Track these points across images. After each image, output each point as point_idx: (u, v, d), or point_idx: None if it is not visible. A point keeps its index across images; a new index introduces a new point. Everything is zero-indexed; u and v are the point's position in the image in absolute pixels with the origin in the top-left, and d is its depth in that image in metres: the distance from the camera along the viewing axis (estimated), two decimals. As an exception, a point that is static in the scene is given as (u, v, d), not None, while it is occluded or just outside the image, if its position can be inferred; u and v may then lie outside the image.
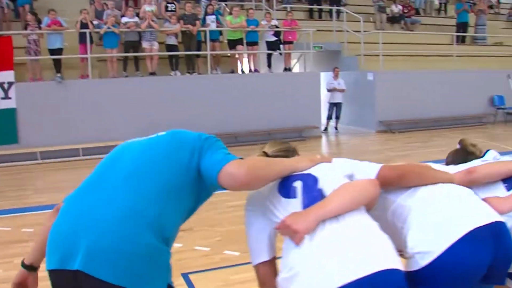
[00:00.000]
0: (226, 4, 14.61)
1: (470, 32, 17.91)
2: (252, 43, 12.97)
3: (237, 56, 13.28)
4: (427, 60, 15.64)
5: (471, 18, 17.92)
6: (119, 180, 1.89)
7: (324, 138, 13.44)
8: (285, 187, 2.01)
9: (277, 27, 13.23)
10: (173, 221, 1.93)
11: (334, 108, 14.20)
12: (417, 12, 18.79)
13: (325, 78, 14.57)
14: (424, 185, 2.16)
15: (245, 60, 13.48)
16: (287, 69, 13.78)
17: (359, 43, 14.57)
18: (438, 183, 2.18)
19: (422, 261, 1.92)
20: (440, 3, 20.06)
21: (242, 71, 13.28)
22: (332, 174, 2.03)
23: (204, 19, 12.66)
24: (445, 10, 20.10)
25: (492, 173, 2.32)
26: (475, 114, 15.48)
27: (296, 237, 1.80)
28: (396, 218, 2.12)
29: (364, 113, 14.55)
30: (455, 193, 2.14)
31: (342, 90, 14.01)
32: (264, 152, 2.25)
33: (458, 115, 15.02)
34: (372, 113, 14.22)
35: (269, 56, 13.45)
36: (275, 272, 2.01)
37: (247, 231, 2.10)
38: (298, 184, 2.00)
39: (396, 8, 17.52)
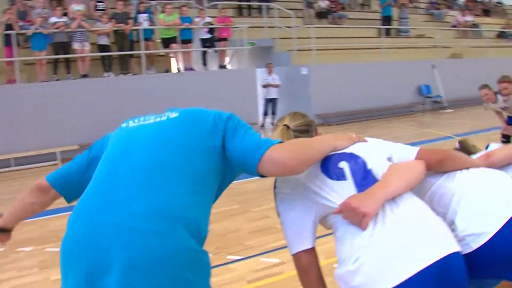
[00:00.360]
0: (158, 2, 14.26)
1: (394, 25, 18.49)
2: (186, 41, 12.73)
3: (171, 54, 12.98)
4: (357, 53, 15.99)
5: (394, 12, 18.52)
6: (140, 175, 1.65)
7: (262, 135, 13.37)
8: (330, 168, 1.88)
9: (211, 24, 13.05)
10: (206, 216, 1.73)
11: (270, 104, 14.20)
12: (343, 7, 19.18)
13: (259, 74, 14.56)
14: (458, 170, 2.12)
15: (180, 58, 13.21)
16: (222, 67, 13.64)
17: (290, 38, 14.67)
18: (470, 168, 2.15)
19: (474, 244, 1.86)
20: (364, -2, 20.63)
21: (178, 70, 13.01)
22: (376, 155, 1.94)
23: (136, 18, 12.27)
24: (369, 5, 20.66)
25: (508, 157, 2.36)
26: (405, 103, 15.99)
27: (364, 220, 1.69)
28: (435, 203, 2.05)
29: (300, 107, 14.38)
30: (493, 175, 2.12)
31: (277, 86, 14.03)
32: (285, 125, 2.08)
33: (389, 105, 15.48)
34: (308, 107, 14.30)
35: (203, 53, 13.24)
36: (317, 260, 1.90)
37: (284, 216, 1.92)
38: (344, 165, 1.89)
39: (324, 3, 17.79)
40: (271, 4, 15.93)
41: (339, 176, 1.86)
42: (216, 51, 13.39)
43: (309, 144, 1.87)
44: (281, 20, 15.37)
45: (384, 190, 1.75)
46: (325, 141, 1.93)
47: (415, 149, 2.04)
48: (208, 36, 12.94)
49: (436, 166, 2.08)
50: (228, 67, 14.22)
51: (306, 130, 2.09)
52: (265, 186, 6.49)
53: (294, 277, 2.10)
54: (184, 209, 1.61)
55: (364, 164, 1.89)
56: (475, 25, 20.68)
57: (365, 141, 2.03)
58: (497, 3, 25.44)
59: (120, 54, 11.88)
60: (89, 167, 1.89)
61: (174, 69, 13.16)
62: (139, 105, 11.38)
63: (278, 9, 15.57)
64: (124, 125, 1.93)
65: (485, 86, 7.22)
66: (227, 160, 1.79)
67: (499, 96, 7.03)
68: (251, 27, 14.09)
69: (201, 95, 12.20)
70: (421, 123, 13.94)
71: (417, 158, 2.00)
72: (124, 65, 11.96)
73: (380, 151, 1.99)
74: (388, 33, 17.75)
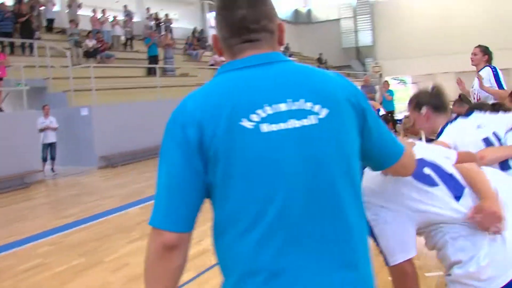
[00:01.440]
0: None
1: (160, 64, 18.96)
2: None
3: None
4: (132, 92, 15.96)
5: (160, 52, 19.03)
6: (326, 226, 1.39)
7: (51, 182, 12.38)
8: (421, 176, 1.97)
9: (-16, 62, 11.71)
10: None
11: (49, 149, 13.19)
12: (109, 47, 18.96)
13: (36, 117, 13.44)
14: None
15: None
16: (-1, 110, 12.29)
17: (64, 78, 13.96)
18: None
19: None
20: (126, 39, 20.68)
21: None
22: (440, 159, 2.10)
23: None
24: (131, 45, 20.83)
25: (496, 159, 2.73)
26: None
27: (501, 223, 1.87)
28: None
29: (81, 150, 13.90)
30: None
31: (55, 129, 13.12)
32: None
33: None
34: (90, 149, 13.71)
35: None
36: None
37: (383, 228, 1.95)
38: (429, 171, 2.00)
39: (91, 43, 17.36)
40: (42, 42, 14.93)
41: (432, 182, 1.98)
42: (-11, 92, 12.02)
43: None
44: (48, 59, 14.47)
45: (495, 195, 1.95)
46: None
47: (454, 152, 2.25)
48: (-20, 75, 11.58)
49: None
50: (4, 109, 12.85)
51: None
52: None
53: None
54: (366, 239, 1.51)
55: (442, 169, 2.04)
56: (230, 64, 22.34)
57: (415, 144, 2.05)
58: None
59: None
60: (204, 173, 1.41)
61: None
62: None
63: (52, 48, 14.68)
64: (249, 124, 1.35)
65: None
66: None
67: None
68: (27, 66, 13.02)
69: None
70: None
71: (458, 158, 2.20)
72: None
73: (436, 155, 2.14)
74: (155, 72, 18.14)
